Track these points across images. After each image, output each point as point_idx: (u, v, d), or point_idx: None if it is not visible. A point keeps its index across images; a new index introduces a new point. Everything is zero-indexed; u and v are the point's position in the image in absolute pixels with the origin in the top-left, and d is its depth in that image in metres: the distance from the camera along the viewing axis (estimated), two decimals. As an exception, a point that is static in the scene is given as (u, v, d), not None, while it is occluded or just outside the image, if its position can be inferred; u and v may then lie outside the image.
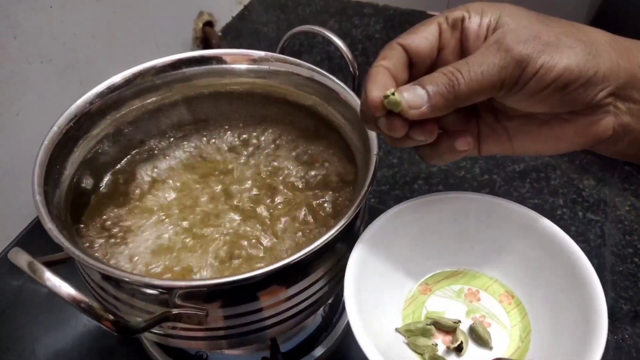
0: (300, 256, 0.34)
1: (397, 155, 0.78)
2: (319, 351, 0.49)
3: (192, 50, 0.91)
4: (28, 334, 0.53)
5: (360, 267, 0.38)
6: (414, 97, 0.31)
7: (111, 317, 0.31)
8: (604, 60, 0.30)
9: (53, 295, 0.54)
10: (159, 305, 0.36)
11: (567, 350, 0.34)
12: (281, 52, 0.50)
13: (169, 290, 0.34)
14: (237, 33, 1.00)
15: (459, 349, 0.38)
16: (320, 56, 0.93)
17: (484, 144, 0.36)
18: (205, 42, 0.95)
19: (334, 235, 0.35)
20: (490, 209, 0.43)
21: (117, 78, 0.45)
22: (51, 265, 0.36)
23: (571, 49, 0.30)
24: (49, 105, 0.65)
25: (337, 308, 0.53)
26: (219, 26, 0.99)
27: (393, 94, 0.31)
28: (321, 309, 0.52)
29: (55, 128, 0.41)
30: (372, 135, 0.41)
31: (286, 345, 0.48)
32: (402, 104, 0.31)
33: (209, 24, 0.96)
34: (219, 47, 0.93)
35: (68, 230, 0.37)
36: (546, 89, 0.30)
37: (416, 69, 0.34)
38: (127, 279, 0.33)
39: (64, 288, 0.31)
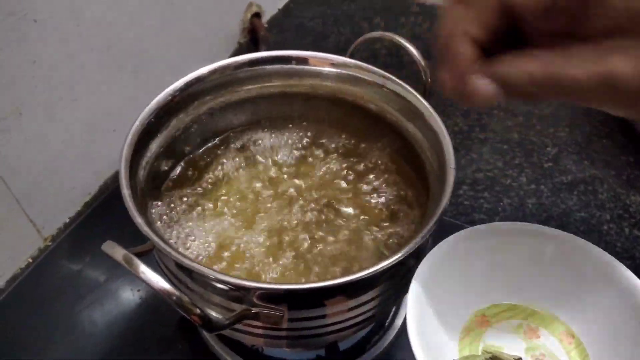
0: (376, 270, 0.35)
1: (443, 159, 0.78)
2: (372, 353, 0.50)
3: (239, 40, 0.92)
4: (86, 318, 0.55)
5: (424, 287, 0.38)
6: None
7: (199, 311, 0.33)
8: None
9: (111, 282, 0.57)
10: (233, 301, 0.37)
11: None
12: (350, 57, 0.50)
13: (249, 290, 0.35)
14: (282, 26, 1.00)
15: None
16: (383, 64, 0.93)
17: None
18: (252, 33, 0.95)
19: (405, 255, 0.35)
20: (569, 249, 0.42)
21: (198, 72, 0.46)
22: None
23: None
24: (103, 93, 0.67)
25: (389, 313, 0.54)
26: (265, 18, 1.00)
27: None
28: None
29: (137, 123, 0.42)
30: (449, 148, 0.41)
31: (340, 345, 0.49)
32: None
33: (257, 15, 0.96)
34: (265, 39, 0.93)
35: (149, 223, 0.38)
36: None
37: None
38: (212, 277, 0.34)
39: (158, 281, 0.32)
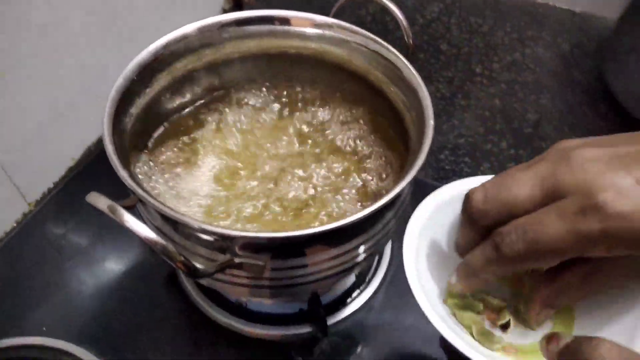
0: (354, 219, 0.36)
1: (426, 125, 0.79)
2: (353, 307, 0.52)
3: (224, 7, 0.92)
4: (74, 278, 0.56)
5: (420, 228, 0.39)
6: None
7: (183, 259, 0.34)
8: None
9: (95, 245, 0.58)
10: (217, 251, 0.38)
11: (616, 336, 0.35)
12: (334, 17, 0.50)
13: (233, 239, 0.36)
14: (269, -9, 1.00)
15: (505, 327, 0.39)
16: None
17: None
18: (236, -1, 0.95)
19: (384, 204, 0.36)
20: None
21: (182, 30, 0.46)
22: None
23: None
24: (87, 55, 0.66)
25: (370, 267, 0.55)
26: (250, -16, 0.99)
27: None
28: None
29: (120, 80, 0.42)
30: (427, 104, 0.42)
31: (322, 299, 0.50)
32: None
33: (240, -20, 0.95)
34: (249, 4, 0.93)
35: (133, 177, 0.38)
36: None
37: None
38: (196, 227, 0.35)
39: (142, 230, 0.33)
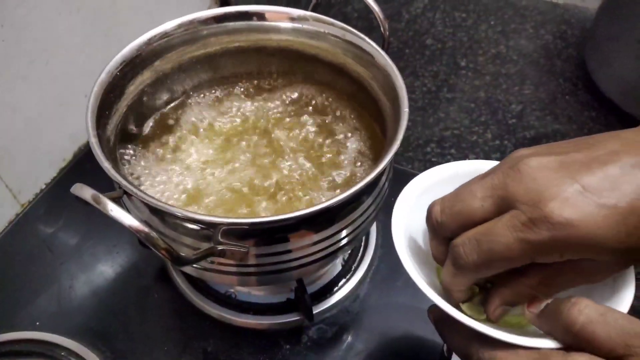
0: (333, 203, 0.37)
1: (410, 118, 0.80)
2: (339, 295, 0.53)
3: (210, 5, 0.93)
4: (65, 274, 0.57)
5: (408, 206, 0.39)
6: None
7: (167, 246, 0.35)
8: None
9: (86, 242, 0.59)
10: (202, 241, 0.39)
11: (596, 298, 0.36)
12: (314, 10, 0.51)
13: (215, 226, 0.37)
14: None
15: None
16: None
17: None
18: (223, -5, 0.96)
19: (362, 187, 0.37)
20: None
21: (163, 27, 0.48)
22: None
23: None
24: (76, 54, 0.67)
25: (355, 257, 0.56)
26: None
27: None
28: (342, 257, 0.55)
29: (103, 75, 0.44)
30: (402, 93, 0.43)
31: (309, 288, 0.51)
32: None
33: (227, -22, 0.96)
34: (237, 2, 0.94)
35: (118, 169, 0.39)
36: None
37: None
38: (179, 214, 0.36)
39: (127, 219, 0.34)
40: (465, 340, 0.33)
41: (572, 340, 0.28)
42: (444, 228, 0.34)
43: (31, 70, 0.62)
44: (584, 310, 0.28)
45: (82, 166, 0.70)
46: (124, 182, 0.37)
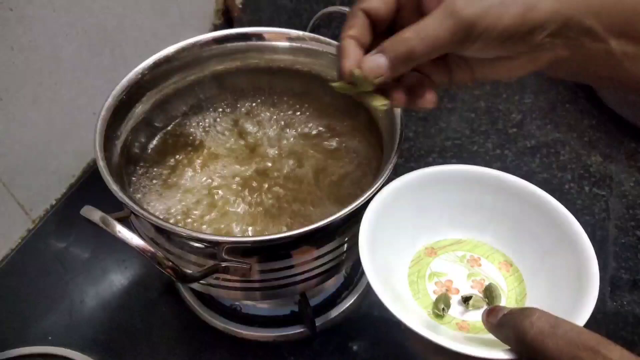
0: (333, 219, 0.38)
1: (412, 129, 0.81)
2: (341, 307, 0.54)
3: (214, 21, 0.94)
4: (76, 289, 0.58)
5: (374, 224, 0.41)
6: (376, 67, 0.35)
7: (172, 265, 0.36)
8: (543, 8, 0.33)
9: (96, 257, 0.60)
10: (206, 258, 0.40)
11: (561, 309, 0.37)
12: (312, 31, 0.53)
13: (218, 244, 0.38)
14: (257, 5, 1.02)
15: (466, 300, 0.42)
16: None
17: (453, 75, 0.39)
18: (226, 14, 0.97)
19: (361, 203, 0.39)
20: (492, 183, 0.46)
21: (165, 51, 0.49)
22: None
23: (513, 4, 0.33)
24: (82, 75, 0.69)
25: (357, 270, 0.57)
26: (239, -2, 1.01)
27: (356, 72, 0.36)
28: (344, 270, 0.56)
29: (109, 100, 0.45)
30: (398, 111, 0.44)
31: (312, 301, 0.53)
32: (367, 77, 0.35)
33: (230, -5, 0.98)
34: (240, 19, 0.96)
35: (125, 190, 0.41)
36: (491, 42, 0.34)
37: (378, 29, 0.38)
38: (184, 234, 0.38)
39: (134, 239, 0.35)
40: (430, 353, 0.34)
41: (525, 351, 0.30)
42: None
43: (40, 91, 0.63)
44: (536, 322, 0.29)
45: (90, 182, 0.72)
46: (130, 204, 0.38)
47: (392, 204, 0.43)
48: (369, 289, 0.56)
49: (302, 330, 0.52)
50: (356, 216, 0.42)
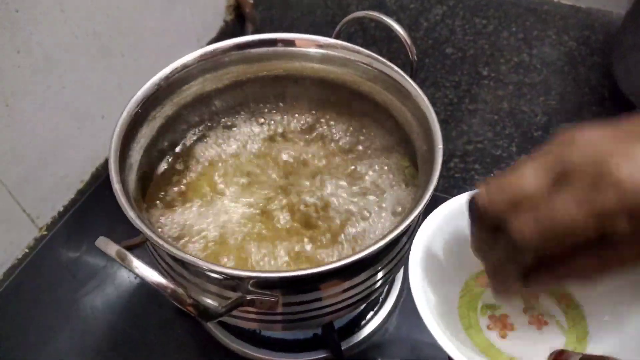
0: (368, 253, 0.35)
1: (434, 132, 0.78)
2: (367, 329, 0.51)
3: (224, 17, 0.91)
4: (86, 304, 0.56)
5: (424, 255, 0.38)
6: None
7: (194, 302, 0.33)
8: None
9: (109, 268, 0.58)
10: (229, 289, 0.37)
11: (628, 354, 0.35)
12: (337, 37, 0.50)
13: (245, 278, 0.36)
14: (269, 2, 0.99)
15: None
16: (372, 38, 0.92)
17: None
18: (238, 10, 0.94)
19: (401, 233, 0.36)
20: None
21: (181, 61, 0.46)
22: (128, 250, 0.38)
23: None
24: (92, 77, 0.66)
25: (383, 290, 0.55)
26: (251, -6, 0.98)
27: None
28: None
29: (124, 114, 0.42)
30: (436, 127, 0.41)
31: (336, 323, 0.50)
32: None
33: (242, -8, 0.95)
34: (251, 16, 0.92)
35: (141, 217, 0.38)
36: None
37: None
38: (207, 268, 0.35)
39: (152, 275, 0.33)
40: None
41: None
42: (491, 213, 0.30)
43: (47, 95, 0.61)
44: None
45: (101, 188, 0.69)
46: (149, 234, 0.36)
47: (442, 229, 0.40)
48: (395, 308, 0.54)
49: (325, 355, 0.49)
50: (388, 248, 0.39)
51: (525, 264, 0.31)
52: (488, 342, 0.39)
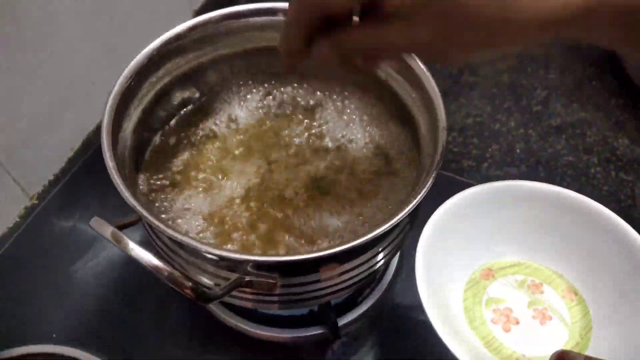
0: (369, 238, 0.34)
1: (432, 105, 0.77)
2: (364, 306, 0.51)
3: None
4: (82, 279, 0.55)
5: (430, 244, 0.39)
6: None
7: (192, 285, 0.33)
8: None
9: (101, 240, 0.57)
10: (228, 270, 0.37)
11: (631, 351, 0.35)
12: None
13: (243, 262, 0.35)
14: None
15: None
16: None
17: None
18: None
19: (402, 218, 0.35)
20: (560, 202, 0.42)
21: (176, 30, 0.44)
22: (122, 228, 0.38)
23: None
24: (80, 44, 0.64)
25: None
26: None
27: None
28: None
29: (116, 88, 0.40)
30: (439, 105, 0.40)
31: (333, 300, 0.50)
32: None
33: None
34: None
35: (136, 196, 0.37)
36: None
37: None
38: (205, 251, 0.34)
39: (147, 257, 0.32)
40: None
41: None
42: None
43: (35, 62, 0.59)
44: None
45: (92, 156, 0.68)
46: (145, 215, 0.34)
47: (449, 221, 0.40)
48: (393, 284, 0.53)
49: (322, 331, 0.49)
50: (394, 229, 0.39)
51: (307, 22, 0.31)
52: (492, 335, 0.39)
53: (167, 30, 0.44)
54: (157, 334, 0.51)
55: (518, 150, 0.73)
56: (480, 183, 0.66)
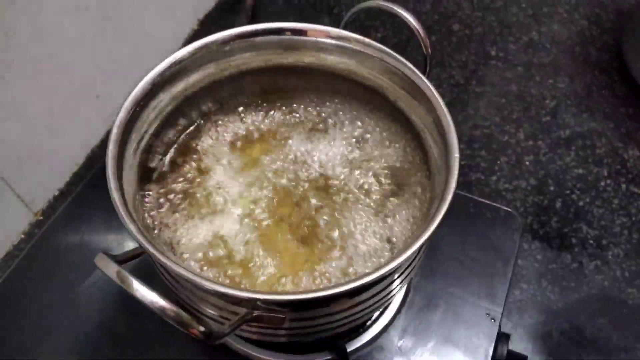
0: (382, 275, 0.33)
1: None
2: (373, 330, 0.50)
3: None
4: (88, 290, 0.54)
5: None
6: None
7: (199, 327, 0.32)
8: None
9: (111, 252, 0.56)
10: (237, 305, 0.36)
11: None
12: (345, 28, 0.47)
13: (252, 300, 0.34)
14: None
15: None
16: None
17: None
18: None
19: (416, 248, 0.34)
20: None
21: (181, 52, 0.43)
22: (125, 262, 0.37)
23: None
24: (84, 58, 0.63)
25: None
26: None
27: None
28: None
29: (121, 114, 0.39)
30: (451, 130, 0.39)
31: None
32: None
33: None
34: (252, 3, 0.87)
35: (141, 227, 0.36)
36: None
37: None
38: (212, 289, 0.33)
39: (153, 298, 0.31)
40: None
41: None
42: None
43: (39, 76, 0.58)
44: None
45: (98, 171, 0.67)
46: (151, 250, 0.34)
47: None
48: (402, 308, 0.52)
49: (330, 357, 0.48)
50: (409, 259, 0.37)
51: None
52: None
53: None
54: (163, 353, 0.50)
55: (527, 163, 0.72)
56: (489, 197, 0.65)
